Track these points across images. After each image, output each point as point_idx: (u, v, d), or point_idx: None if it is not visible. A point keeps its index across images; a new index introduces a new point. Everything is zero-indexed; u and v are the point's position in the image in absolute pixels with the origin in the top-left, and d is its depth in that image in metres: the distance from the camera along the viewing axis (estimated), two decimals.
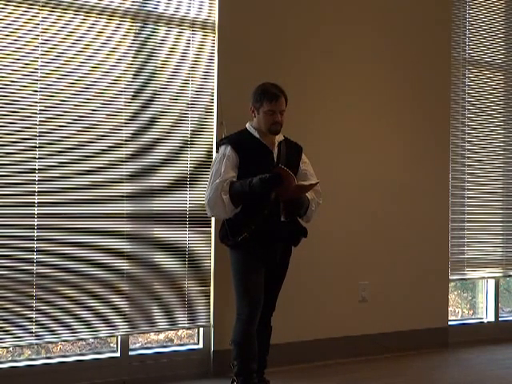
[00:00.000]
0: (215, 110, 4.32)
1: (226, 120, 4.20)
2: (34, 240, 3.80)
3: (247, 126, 3.81)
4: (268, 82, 3.78)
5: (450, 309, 5.38)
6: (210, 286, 4.31)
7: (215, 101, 4.32)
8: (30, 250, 3.78)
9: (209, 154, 4.31)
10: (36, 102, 3.82)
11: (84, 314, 3.92)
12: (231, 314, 3.84)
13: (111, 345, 4.21)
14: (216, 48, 4.34)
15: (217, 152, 3.81)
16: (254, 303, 3.65)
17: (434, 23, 5.23)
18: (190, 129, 4.27)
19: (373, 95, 4.96)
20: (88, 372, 3.98)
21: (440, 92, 5.25)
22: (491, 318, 5.62)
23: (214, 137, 4.29)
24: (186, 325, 4.28)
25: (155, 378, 4.14)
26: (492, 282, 5.63)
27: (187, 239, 4.25)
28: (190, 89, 4.28)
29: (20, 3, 3.78)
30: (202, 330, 4.36)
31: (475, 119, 5.47)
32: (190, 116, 4.28)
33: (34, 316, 3.79)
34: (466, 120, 5.42)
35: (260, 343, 3.73)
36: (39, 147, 3.82)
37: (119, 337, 4.10)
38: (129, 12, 4.09)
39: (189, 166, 4.26)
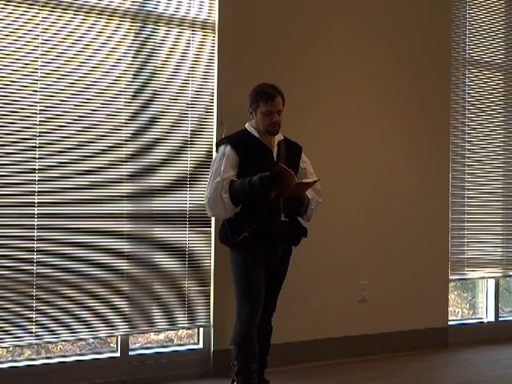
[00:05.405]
0: (215, 110, 4.32)
1: (225, 120, 4.20)
2: (34, 240, 3.80)
3: (246, 125, 3.81)
4: (265, 82, 3.77)
5: (450, 309, 5.37)
6: (209, 286, 4.31)
7: (215, 101, 4.32)
8: (30, 250, 3.78)
9: (209, 154, 4.31)
10: (36, 102, 3.82)
11: (84, 314, 3.92)
12: (231, 314, 3.84)
13: (111, 345, 4.21)
14: (216, 48, 4.34)
15: (216, 152, 3.81)
16: (254, 303, 3.65)
17: (434, 23, 5.23)
18: (189, 129, 4.27)
19: (373, 95, 4.95)
20: (88, 372, 3.98)
21: (440, 92, 5.25)
22: (491, 318, 5.62)
23: (214, 137, 4.29)
24: (186, 325, 4.28)
25: (155, 378, 4.14)
26: (492, 282, 5.63)
27: (187, 239, 4.25)
28: (190, 89, 4.28)
29: (20, 3, 3.78)
30: (201, 329, 4.36)
31: (475, 119, 5.47)
32: (189, 116, 4.28)
33: (33, 316, 3.79)
34: (466, 120, 5.42)
35: (260, 343, 3.73)
36: (39, 147, 3.82)
37: (119, 337, 4.10)
38: (129, 12, 4.09)
39: (189, 166, 4.26)
